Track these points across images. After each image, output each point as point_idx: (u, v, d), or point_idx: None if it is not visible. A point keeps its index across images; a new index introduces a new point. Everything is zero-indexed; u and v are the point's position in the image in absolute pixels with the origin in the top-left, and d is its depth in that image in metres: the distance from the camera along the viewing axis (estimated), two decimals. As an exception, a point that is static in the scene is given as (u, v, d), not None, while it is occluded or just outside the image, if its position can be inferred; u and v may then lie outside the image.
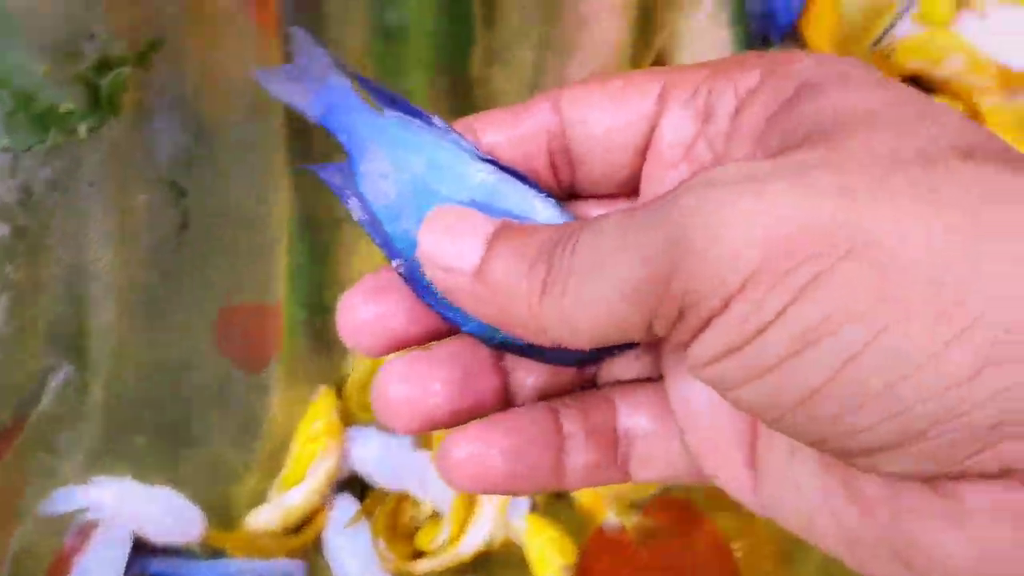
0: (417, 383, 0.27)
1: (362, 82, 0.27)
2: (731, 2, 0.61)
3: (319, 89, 0.28)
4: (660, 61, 0.60)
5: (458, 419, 0.27)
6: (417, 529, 0.64)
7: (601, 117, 0.27)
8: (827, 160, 0.20)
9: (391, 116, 0.27)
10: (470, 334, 0.27)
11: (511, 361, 0.28)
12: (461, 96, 0.54)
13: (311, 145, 0.50)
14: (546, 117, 0.27)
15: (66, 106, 0.37)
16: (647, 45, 0.56)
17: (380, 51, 0.50)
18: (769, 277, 0.19)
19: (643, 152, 0.27)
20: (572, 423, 0.27)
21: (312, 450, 0.63)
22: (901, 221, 0.18)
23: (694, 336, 0.21)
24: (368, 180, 0.27)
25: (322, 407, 0.63)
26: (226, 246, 0.48)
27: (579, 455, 0.27)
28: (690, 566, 0.51)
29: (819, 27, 0.61)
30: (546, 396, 0.29)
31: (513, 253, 0.23)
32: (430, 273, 0.24)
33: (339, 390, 0.66)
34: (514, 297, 0.23)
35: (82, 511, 0.54)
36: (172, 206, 0.46)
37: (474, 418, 0.27)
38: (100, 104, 0.38)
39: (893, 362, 0.18)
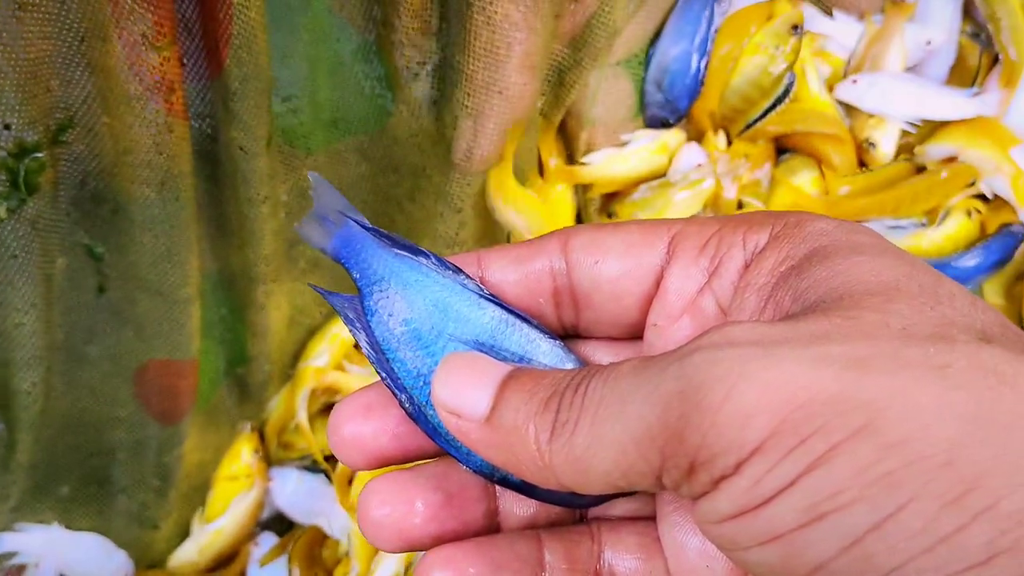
0: (400, 504, 0.27)
1: (370, 229, 0.28)
2: (631, 63, 0.67)
3: (335, 229, 0.29)
4: (570, 117, 0.64)
5: (445, 540, 0.27)
6: (337, 563, 0.67)
7: (610, 263, 0.27)
8: (841, 330, 0.20)
9: (401, 257, 0.28)
10: (473, 471, 0.28)
11: (501, 488, 0.28)
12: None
13: (223, 216, 0.54)
14: (554, 258, 0.28)
15: (-14, 189, 0.41)
16: (558, 104, 0.61)
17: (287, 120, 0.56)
18: (782, 445, 0.19)
19: (649, 299, 0.27)
20: (554, 555, 0.27)
21: (233, 488, 0.66)
22: (915, 399, 0.18)
23: (704, 493, 0.21)
24: (376, 316, 0.28)
25: (242, 449, 0.67)
26: (142, 307, 0.51)
27: None
28: None
29: (706, 110, 0.68)
30: (535, 524, 0.28)
31: (523, 398, 0.23)
32: (442, 417, 0.25)
33: (261, 433, 0.69)
34: (524, 441, 0.23)
35: (10, 555, 0.58)
36: (90, 272, 0.50)
37: (461, 539, 0.27)
38: (19, 186, 0.42)
39: (902, 544, 0.18)
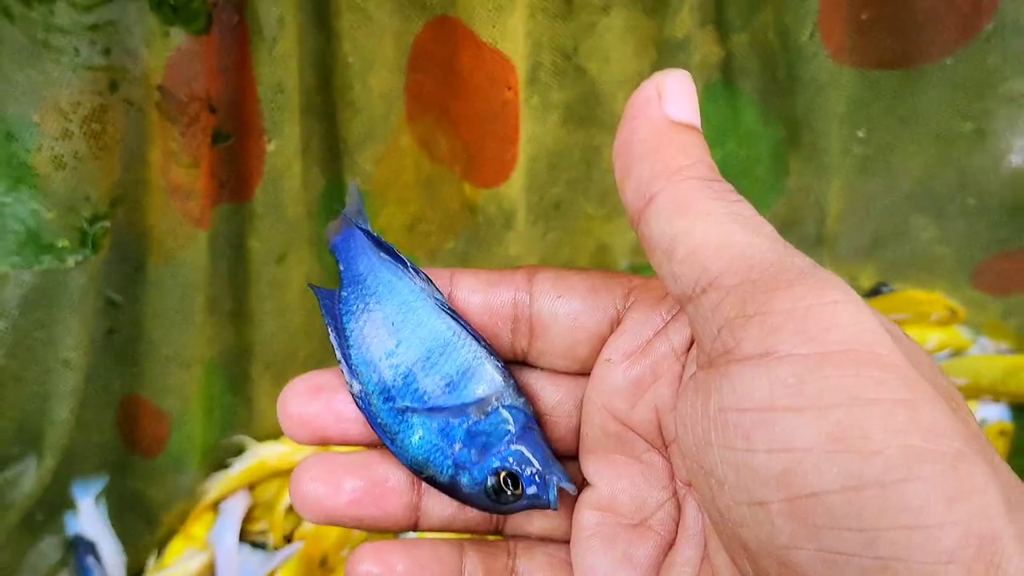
0: (328, 483, 0.32)
1: (367, 233, 0.35)
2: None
3: (343, 228, 0.36)
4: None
5: (364, 524, 0.33)
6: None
7: (571, 300, 0.32)
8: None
9: (383, 260, 0.34)
10: (405, 464, 0.33)
11: (427, 486, 0.34)
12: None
13: (230, 293, 0.77)
14: (519, 288, 0.33)
15: (62, 243, 0.63)
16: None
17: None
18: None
19: (601, 339, 0.32)
20: (473, 564, 0.33)
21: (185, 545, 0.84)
22: None
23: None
24: (347, 306, 0.34)
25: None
26: (139, 350, 0.74)
27: None
28: None
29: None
30: (453, 526, 0.34)
31: None
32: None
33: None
34: None
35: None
36: (104, 317, 0.72)
37: (381, 526, 0.33)
38: (87, 245, 0.64)
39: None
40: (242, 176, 0.75)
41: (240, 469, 0.87)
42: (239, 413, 0.85)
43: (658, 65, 0.75)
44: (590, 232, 0.86)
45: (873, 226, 0.87)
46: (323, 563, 0.83)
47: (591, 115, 0.76)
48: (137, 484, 0.81)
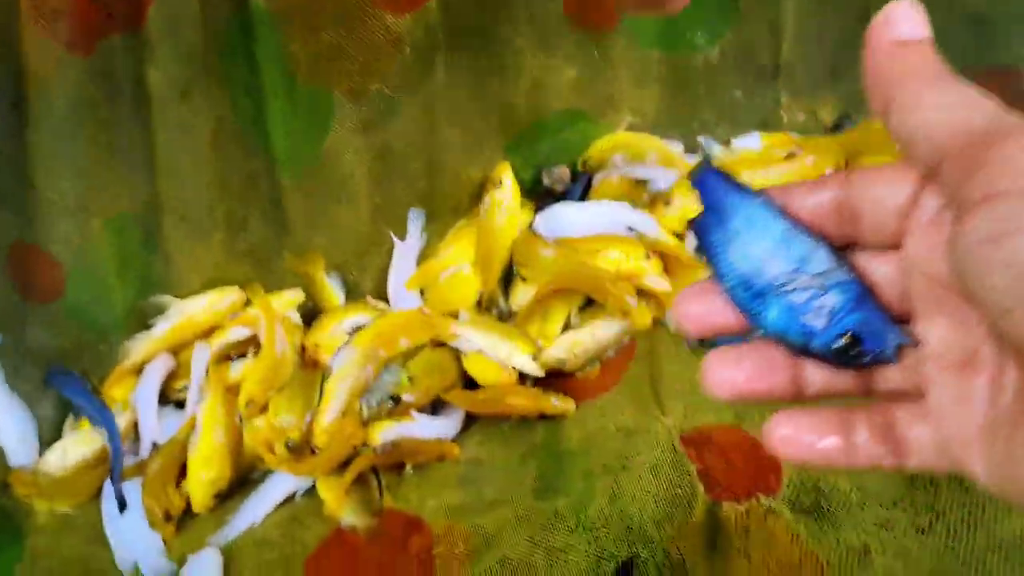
0: (734, 366, 0.42)
1: (719, 172, 0.45)
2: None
3: (702, 170, 0.45)
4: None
5: (762, 397, 0.42)
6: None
7: (879, 187, 0.40)
8: None
9: (732, 187, 0.44)
10: (778, 342, 0.42)
11: (801, 360, 0.42)
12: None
13: (137, 140, 0.75)
14: (837, 187, 0.42)
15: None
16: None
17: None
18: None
19: (906, 214, 0.40)
20: (860, 420, 0.41)
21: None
22: None
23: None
24: (706, 226, 0.44)
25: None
26: (25, 196, 0.72)
27: (864, 445, 0.41)
28: (401, 565, 0.73)
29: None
30: (831, 391, 0.42)
31: None
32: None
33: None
34: None
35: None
36: None
37: (775, 397, 0.42)
38: None
39: None
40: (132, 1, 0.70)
41: (164, 329, 0.84)
42: (157, 270, 0.82)
43: None
44: (521, 67, 0.82)
45: (830, 52, 0.87)
46: (249, 403, 0.81)
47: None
48: (37, 335, 0.80)
